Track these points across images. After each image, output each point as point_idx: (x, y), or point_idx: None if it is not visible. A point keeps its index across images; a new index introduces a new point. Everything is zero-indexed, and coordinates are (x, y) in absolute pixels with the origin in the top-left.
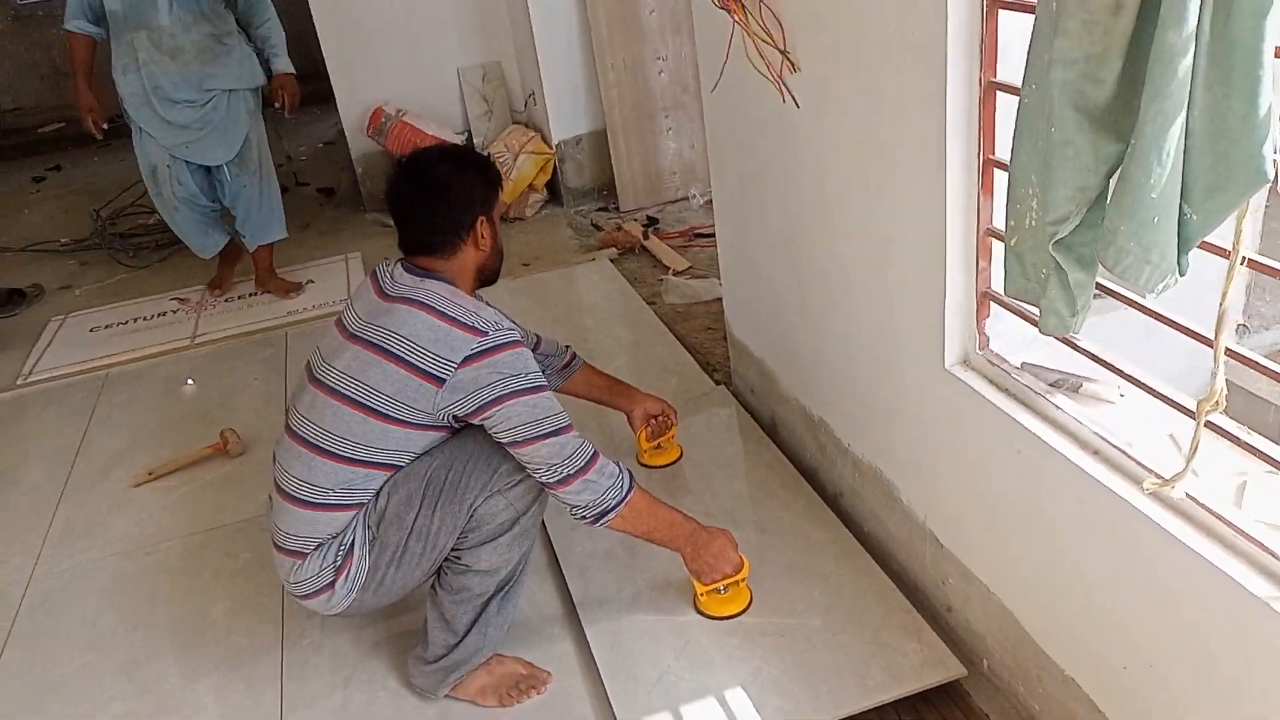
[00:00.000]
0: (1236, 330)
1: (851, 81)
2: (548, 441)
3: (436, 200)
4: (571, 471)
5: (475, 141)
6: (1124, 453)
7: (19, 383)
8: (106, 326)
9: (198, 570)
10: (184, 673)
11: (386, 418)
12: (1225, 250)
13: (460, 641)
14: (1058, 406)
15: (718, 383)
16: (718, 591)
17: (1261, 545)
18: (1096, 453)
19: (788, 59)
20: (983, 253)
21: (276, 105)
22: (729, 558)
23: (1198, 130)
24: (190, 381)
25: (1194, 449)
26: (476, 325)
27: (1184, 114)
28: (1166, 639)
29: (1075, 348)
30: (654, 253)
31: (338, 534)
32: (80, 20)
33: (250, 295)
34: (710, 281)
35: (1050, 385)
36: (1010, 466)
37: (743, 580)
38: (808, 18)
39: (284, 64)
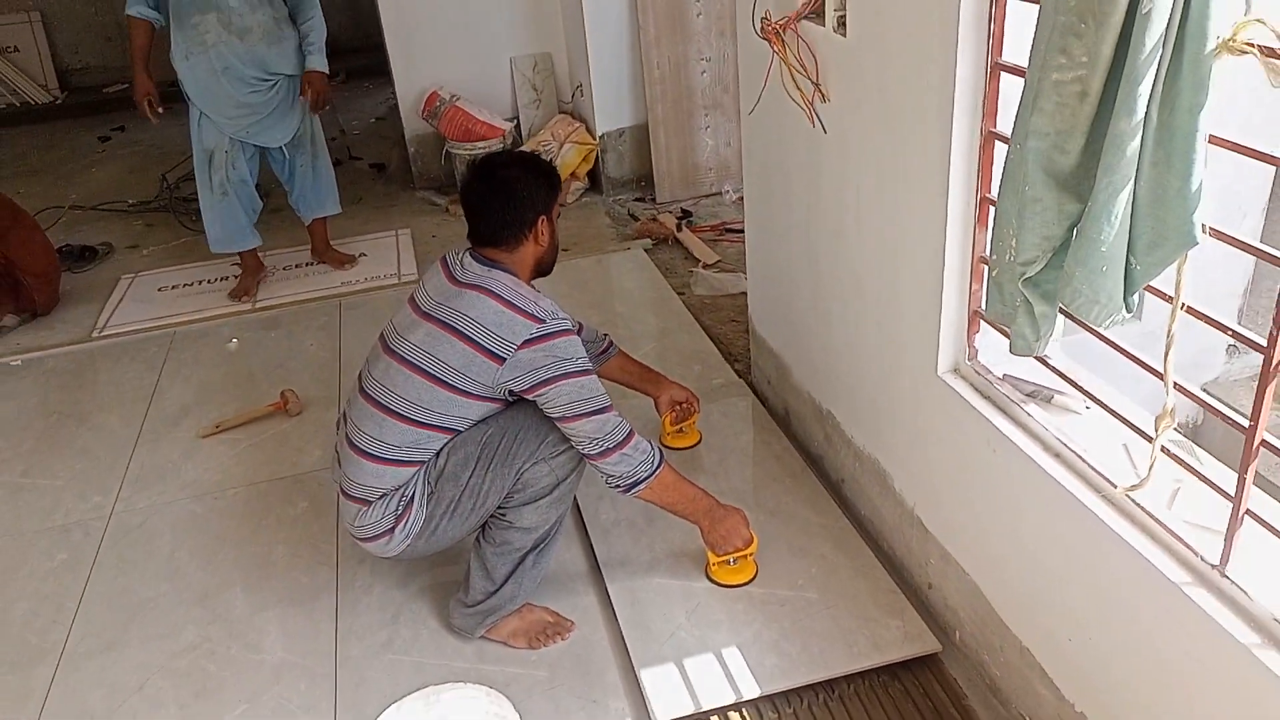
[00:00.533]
0: (1226, 351)
1: (874, 117)
2: (592, 419)
3: (506, 199)
4: (611, 445)
5: (523, 129)
6: (1080, 458)
7: (94, 335)
8: (173, 287)
9: (261, 515)
10: (250, 604)
11: (451, 387)
12: (1169, 296)
13: (498, 590)
14: (1029, 414)
15: (738, 373)
16: (728, 563)
17: (1183, 541)
18: (1058, 456)
19: (819, 90)
20: (976, 276)
21: (302, 98)
22: (741, 533)
23: (1143, 198)
24: (234, 341)
25: (1152, 463)
26: (536, 313)
27: (1131, 185)
28: (1104, 617)
29: (1046, 365)
30: (686, 245)
31: (400, 486)
32: (141, 6)
33: (307, 265)
34: (737, 276)
35: (1026, 395)
36: (987, 464)
37: (751, 554)
38: (839, 55)
39: (319, 62)
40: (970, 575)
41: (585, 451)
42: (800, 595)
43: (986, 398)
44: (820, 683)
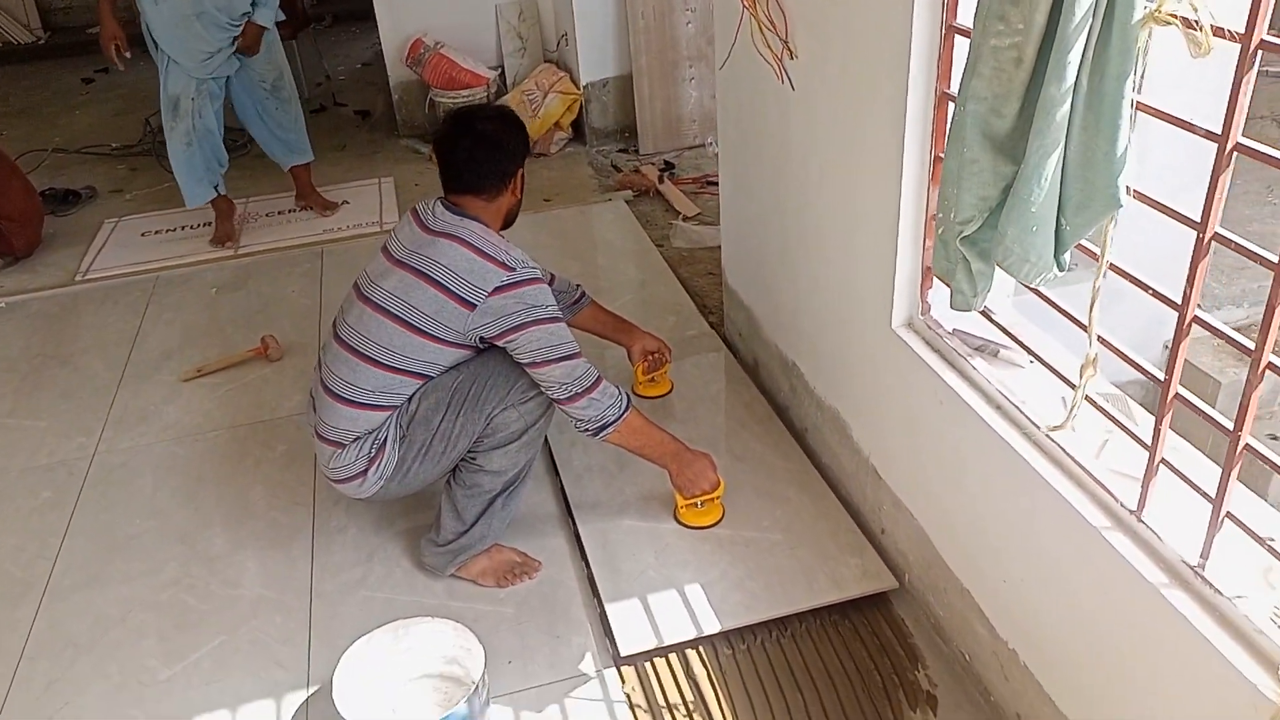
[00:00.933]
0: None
1: (838, 76)
2: (561, 364)
3: (491, 151)
4: (579, 390)
5: (507, 78)
6: (1015, 406)
7: (77, 279)
8: (156, 232)
9: (240, 458)
10: (230, 542)
11: (423, 333)
12: (1096, 254)
13: (468, 530)
14: (974, 367)
15: (712, 325)
16: (695, 506)
17: (1104, 487)
18: (998, 407)
19: (787, 46)
20: (929, 233)
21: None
22: (708, 476)
23: (1072, 161)
24: (214, 291)
25: (1074, 407)
26: (506, 261)
27: (1061, 148)
28: (1032, 560)
29: (990, 320)
30: (667, 197)
31: (373, 430)
32: None
33: (290, 211)
34: (716, 229)
35: (974, 349)
36: (934, 415)
37: (718, 498)
38: (807, 14)
39: (264, 16)
40: (918, 521)
41: (555, 396)
42: (765, 536)
43: (936, 351)
44: (776, 621)
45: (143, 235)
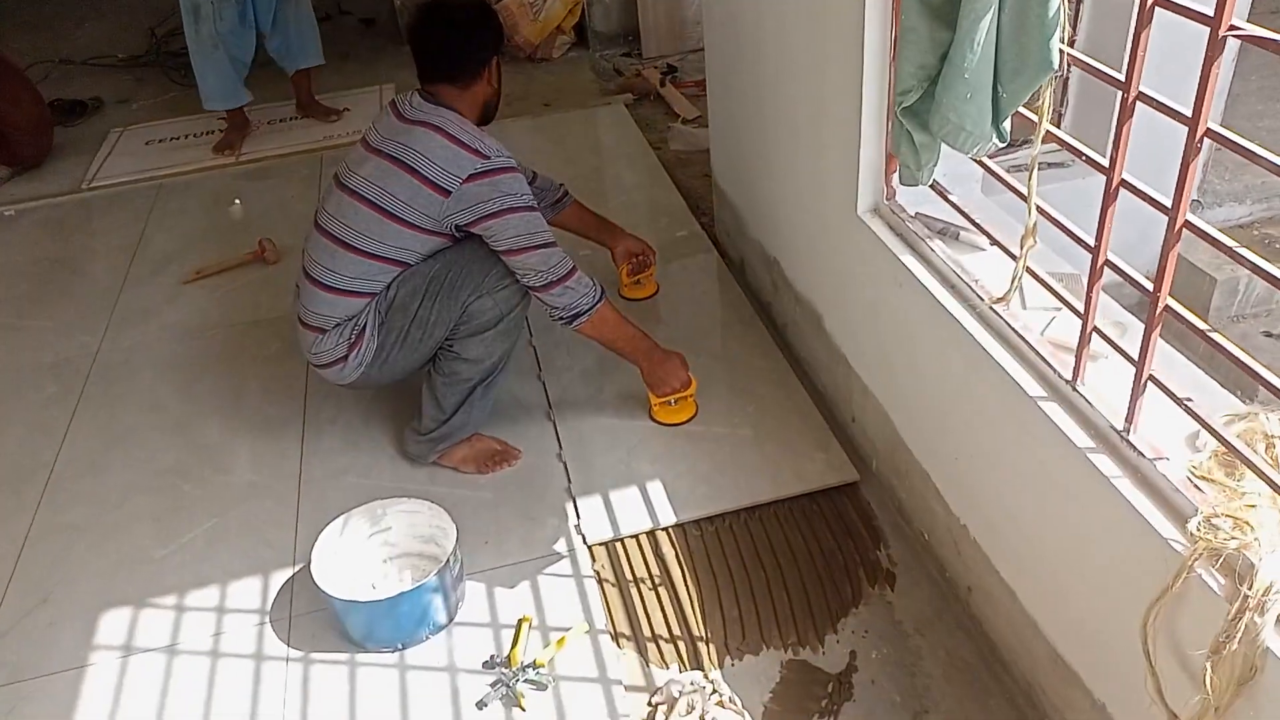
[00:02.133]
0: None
1: None
2: (537, 252)
3: (465, 37)
4: (554, 279)
5: None
6: (969, 284)
7: (84, 186)
8: (160, 141)
9: (236, 355)
10: (224, 431)
11: (400, 220)
12: (1034, 120)
13: (449, 419)
14: (932, 249)
15: (703, 226)
16: (669, 403)
17: (1043, 357)
18: (951, 286)
19: None
20: (891, 116)
21: None
22: (679, 375)
23: (1006, 25)
24: (238, 202)
25: (1016, 277)
26: (480, 149)
27: (994, 13)
28: (979, 434)
29: (945, 199)
30: (668, 100)
31: (353, 316)
32: None
33: (291, 119)
34: None
35: (935, 232)
36: (893, 298)
37: (690, 396)
38: None
39: None
40: (883, 406)
41: (529, 284)
42: (735, 432)
43: (899, 235)
44: (746, 507)
45: (147, 144)
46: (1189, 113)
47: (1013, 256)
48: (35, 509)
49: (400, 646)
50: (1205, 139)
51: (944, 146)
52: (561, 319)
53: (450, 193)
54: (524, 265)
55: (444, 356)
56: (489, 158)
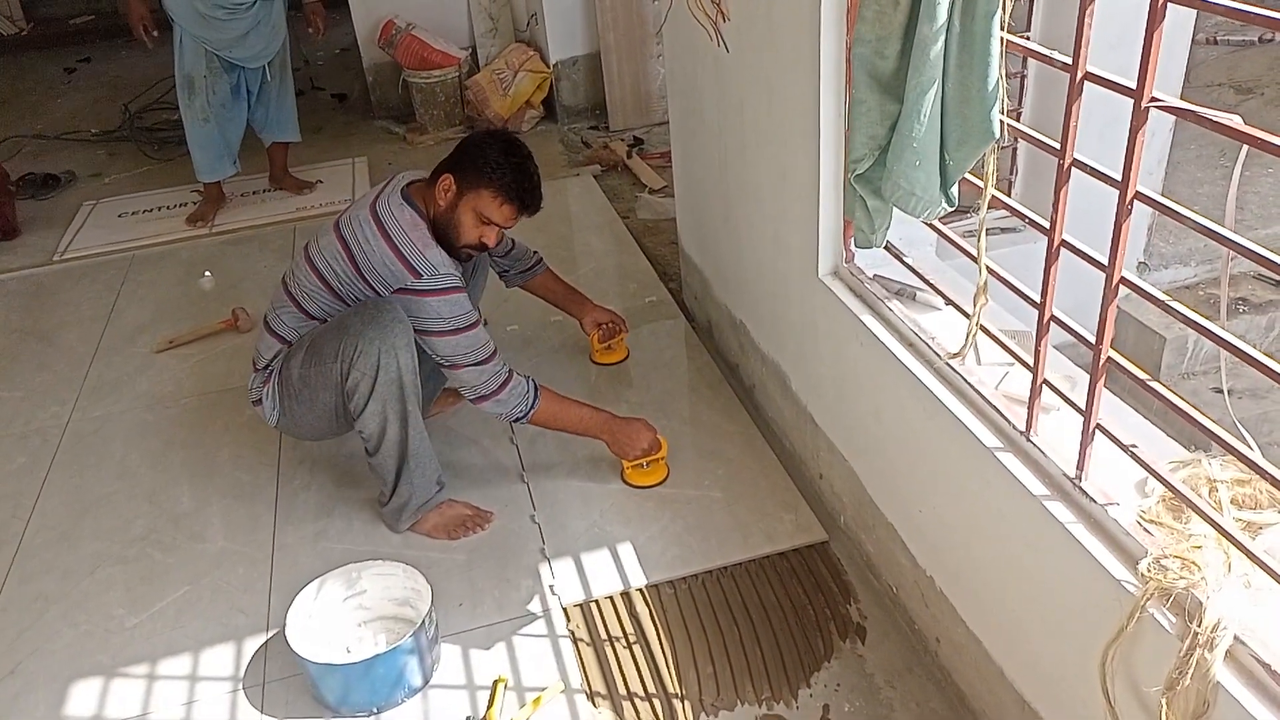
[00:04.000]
0: (1137, 268)
1: (763, 34)
2: (470, 370)
3: (454, 150)
4: (486, 392)
5: (479, 57)
6: (926, 342)
7: (55, 259)
8: (133, 213)
9: (208, 423)
10: (195, 500)
11: (331, 289)
12: (980, 186)
13: (395, 490)
14: (890, 309)
15: (671, 292)
16: (641, 466)
17: (997, 409)
18: (910, 344)
19: (720, 9)
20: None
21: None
22: (644, 437)
23: (950, 98)
24: (208, 274)
25: (970, 334)
26: (417, 266)
27: (938, 85)
28: (938, 485)
29: (901, 262)
30: (634, 171)
31: (271, 359)
32: None
33: (265, 191)
34: None
35: (893, 294)
36: (856, 356)
37: (662, 458)
38: None
39: None
40: (849, 462)
41: (466, 396)
42: (706, 494)
43: (858, 296)
44: (717, 567)
45: (119, 216)
46: (1120, 177)
47: (965, 315)
48: (4, 579)
49: (376, 710)
50: (1135, 201)
51: (895, 211)
52: (504, 419)
53: (382, 296)
54: (458, 380)
55: (360, 438)
56: (421, 276)
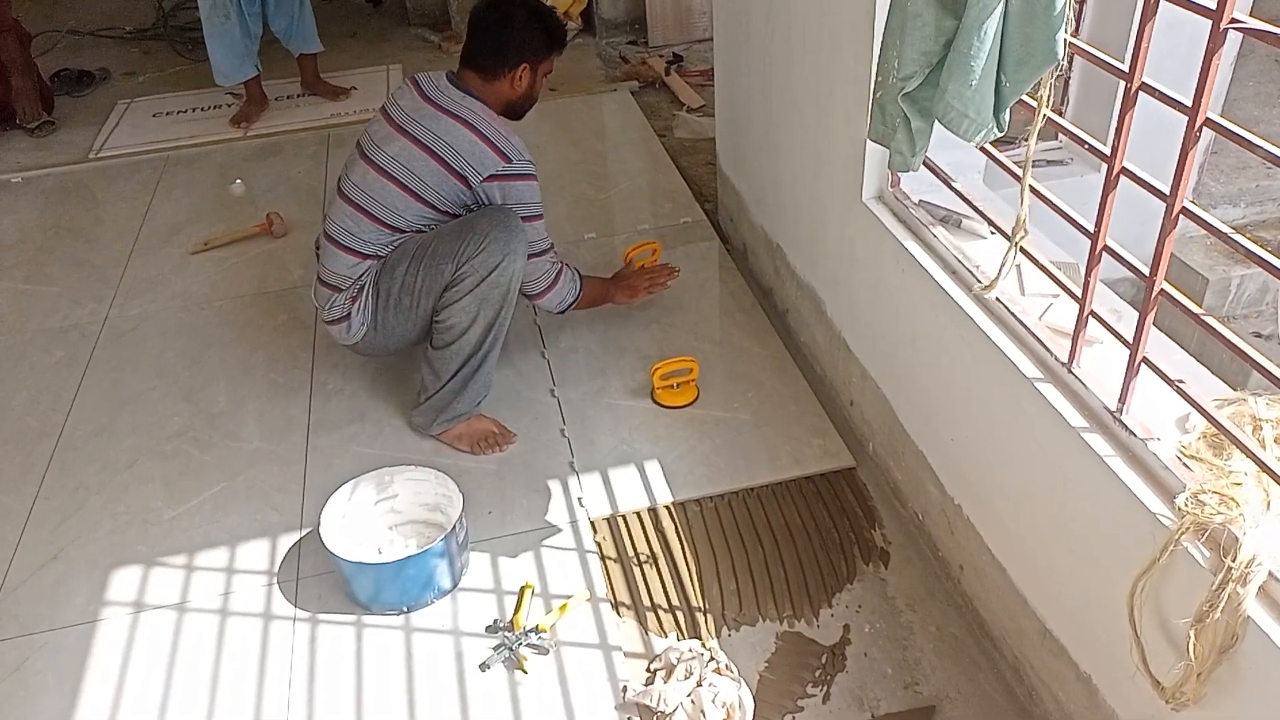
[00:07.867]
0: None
1: None
2: (538, 259)
3: (500, 31)
4: (547, 283)
5: None
6: (969, 270)
7: (91, 156)
8: (168, 113)
9: (243, 325)
10: (231, 400)
11: (422, 199)
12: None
13: (443, 387)
14: (935, 236)
15: (707, 213)
16: (671, 387)
17: (1040, 340)
18: (952, 271)
19: None
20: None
21: None
22: (638, 281)
23: (1013, 16)
24: (239, 181)
25: (1005, 262)
26: (505, 151)
27: (1002, 3)
28: (973, 414)
29: (949, 186)
30: (673, 88)
31: (359, 276)
32: None
33: (299, 96)
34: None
35: (938, 220)
36: (895, 283)
37: (692, 380)
38: None
39: None
40: (881, 389)
41: (529, 292)
42: (735, 416)
43: (902, 222)
44: (746, 487)
45: (154, 116)
46: (1189, 103)
47: (1009, 238)
48: (45, 468)
49: (406, 609)
50: (1204, 129)
51: (935, 136)
52: (553, 312)
53: (471, 185)
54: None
55: (436, 328)
56: (511, 161)
